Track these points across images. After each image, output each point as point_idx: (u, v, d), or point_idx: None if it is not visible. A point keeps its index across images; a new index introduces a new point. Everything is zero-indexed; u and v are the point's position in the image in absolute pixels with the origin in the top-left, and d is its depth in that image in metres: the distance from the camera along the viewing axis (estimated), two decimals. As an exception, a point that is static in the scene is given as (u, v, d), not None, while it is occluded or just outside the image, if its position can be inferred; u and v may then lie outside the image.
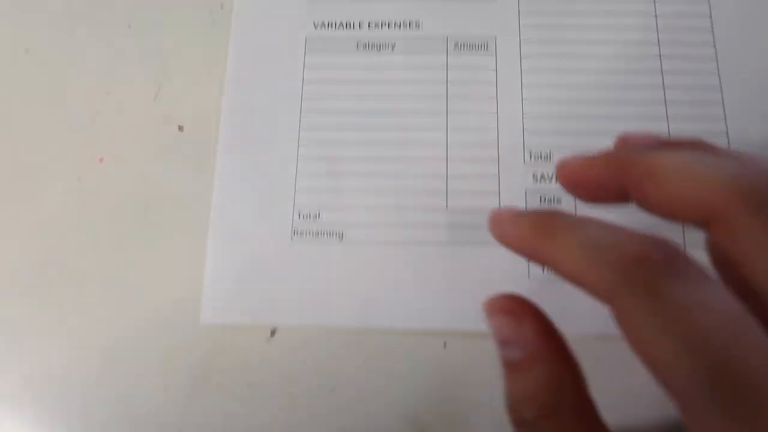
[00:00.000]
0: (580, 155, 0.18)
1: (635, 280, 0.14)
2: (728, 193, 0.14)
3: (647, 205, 0.16)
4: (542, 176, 0.27)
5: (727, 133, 0.27)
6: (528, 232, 0.17)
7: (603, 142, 0.26)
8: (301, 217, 0.27)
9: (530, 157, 0.27)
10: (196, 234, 0.27)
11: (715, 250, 0.15)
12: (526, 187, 0.27)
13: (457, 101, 0.28)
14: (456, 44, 0.29)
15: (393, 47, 0.29)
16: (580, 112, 0.27)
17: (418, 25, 0.29)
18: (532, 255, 0.17)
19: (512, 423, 0.16)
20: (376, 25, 0.29)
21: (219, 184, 0.27)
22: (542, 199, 0.26)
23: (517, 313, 0.17)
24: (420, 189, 0.27)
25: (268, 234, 0.27)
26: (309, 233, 0.27)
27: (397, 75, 0.28)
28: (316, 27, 0.29)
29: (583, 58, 0.28)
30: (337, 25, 0.29)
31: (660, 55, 0.28)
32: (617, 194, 0.17)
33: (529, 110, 0.28)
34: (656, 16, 0.29)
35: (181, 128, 0.28)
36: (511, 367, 0.16)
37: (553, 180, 0.27)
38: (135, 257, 0.27)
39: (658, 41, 0.28)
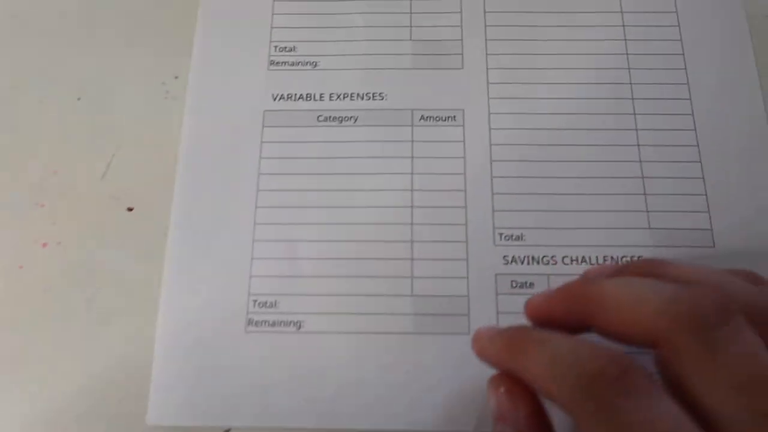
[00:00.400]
0: (543, 292, 0.20)
1: (591, 396, 0.16)
2: (667, 318, 0.16)
3: (603, 332, 0.18)
4: (513, 259, 0.25)
5: (703, 177, 0.26)
6: (502, 350, 0.19)
7: (577, 220, 0.26)
8: (257, 305, 0.25)
9: (500, 237, 0.25)
10: (144, 324, 0.25)
11: (662, 368, 0.17)
12: (496, 270, 0.25)
13: (423, 177, 0.26)
14: (422, 116, 0.27)
15: (355, 120, 0.27)
16: (553, 188, 0.26)
17: (381, 97, 0.28)
18: (506, 370, 0.19)
19: None
20: (338, 96, 0.28)
21: (169, 270, 0.25)
22: (513, 283, 0.25)
23: (515, 393, 0.18)
24: (384, 273, 0.25)
25: (221, 324, 0.25)
26: (265, 323, 0.25)
27: (360, 149, 0.27)
28: (274, 99, 0.28)
29: (554, 131, 0.27)
30: (296, 97, 0.28)
31: (636, 129, 0.27)
32: (579, 324, 0.18)
33: (499, 187, 0.26)
34: (631, 83, 0.27)
35: (130, 209, 0.27)
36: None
37: (525, 262, 0.25)
38: (78, 349, 0.25)
39: (634, 109, 0.27)
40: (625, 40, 0.28)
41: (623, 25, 0.28)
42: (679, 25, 0.28)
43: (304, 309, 0.25)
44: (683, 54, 0.28)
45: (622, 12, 0.29)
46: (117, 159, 0.27)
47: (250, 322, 0.25)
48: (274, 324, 0.25)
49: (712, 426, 0.15)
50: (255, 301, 0.25)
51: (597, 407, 0.15)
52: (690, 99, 0.27)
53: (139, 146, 0.27)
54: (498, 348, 0.19)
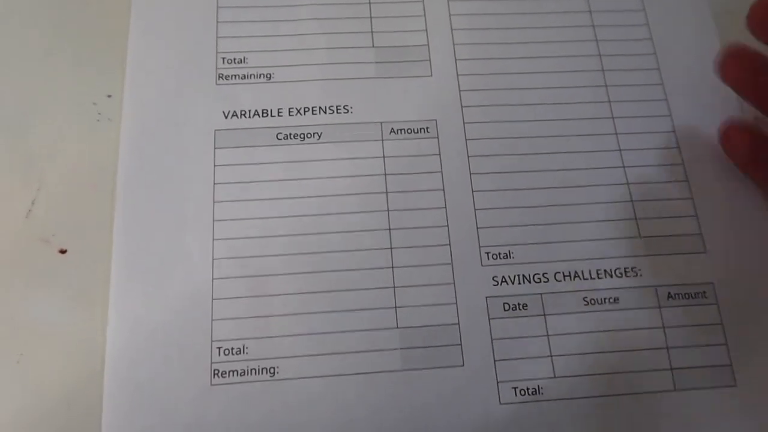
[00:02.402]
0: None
1: None
2: None
3: None
4: (503, 279, 0.23)
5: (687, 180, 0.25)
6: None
7: (565, 233, 0.24)
8: (222, 352, 0.22)
9: (488, 257, 0.23)
10: (87, 385, 0.21)
11: None
12: (487, 293, 0.23)
13: (399, 196, 0.24)
14: (392, 129, 0.25)
15: (319, 136, 0.25)
16: (537, 200, 0.24)
17: (347, 109, 0.25)
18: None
19: None
20: (298, 111, 0.25)
21: (114, 321, 0.22)
22: (506, 306, 0.23)
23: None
24: (364, 306, 0.23)
25: (182, 379, 0.21)
26: (233, 373, 0.22)
27: (327, 168, 0.24)
28: (226, 117, 0.25)
29: (532, 138, 0.25)
30: (251, 114, 0.25)
31: (616, 133, 0.25)
32: None
33: (481, 202, 0.24)
34: (606, 86, 0.26)
35: (63, 251, 0.23)
36: None
37: (516, 282, 0.23)
38: (4, 419, 0.21)
39: (612, 113, 0.26)
40: (596, 40, 0.27)
41: (593, 25, 0.27)
42: (648, 24, 0.27)
43: (277, 353, 0.22)
44: (655, 53, 0.27)
45: (590, 11, 0.27)
46: (43, 194, 0.23)
47: (215, 373, 0.22)
48: (243, 373, 0.22)
49: None
50: (220, 348, 0.22)
51: None
52: (666, 100, 0.26)
53: (68, 178, 0.24)
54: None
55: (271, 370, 0.22)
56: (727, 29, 0.28)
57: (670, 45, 0.27)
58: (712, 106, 0.26)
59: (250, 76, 0.25)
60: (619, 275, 0.23)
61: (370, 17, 0.27)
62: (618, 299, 0.23)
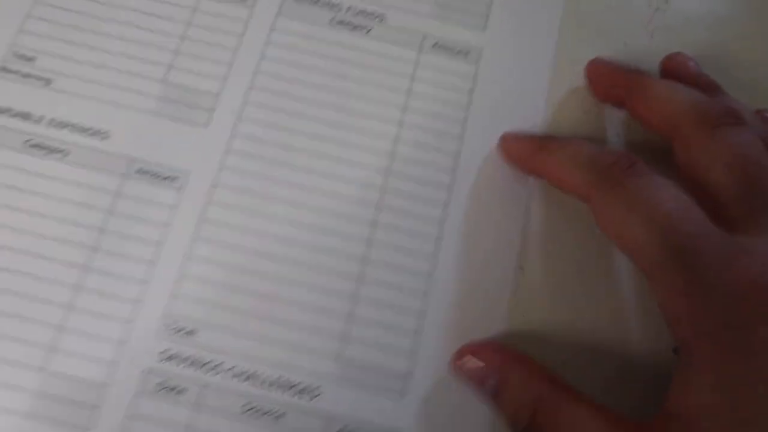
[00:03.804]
0: (607, 60, 0.25)
1: (607, 178, 0.20)
2: (685, 114, 0.21)
3: (634, 114, 0.23)
4: (175, 355, 0.21)
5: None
6: (528, 147, 0.23)
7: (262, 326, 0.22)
8: None
9: (168, 329, 0.22)
10: None
11: (676, 157, 0.21)
12: (150, 365, 0.21)
13: (110, 238, 0.23)
14: (139, 169, 0.24)
15: (65, 154, 0.24)
16: (250, 284, 0.23)
17: (105, 135, 0.24)
18: (529, 166, 0.23)
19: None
20: (57, 123, 0.24)
21: None
22: (161, 385, 0.21)
23: (474, 350, 0.21)
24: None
25: None
26: None
27: (49, 188, 0.23)
28: (-14, 109, 0.24)
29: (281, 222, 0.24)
30: (13, 113, 0.24)
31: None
32: (617, 100, 0.24)
33: (195, 272, 0.23)
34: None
35: None
36: (495, 397, 0.20)
37: (187, 363, 0.21)
38: None
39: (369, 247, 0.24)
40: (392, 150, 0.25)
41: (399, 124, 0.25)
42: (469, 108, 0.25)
43: None
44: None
45: (404, 108, 0.26)
46: None
47: None
48: None
49: (708, 198, 0.19)
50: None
51: (613, 185, 0.20)
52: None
53: None
54: (524, 146, 0.24)
55: None
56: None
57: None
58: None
59: (31, 76, 0.25)
60: (300, 391, 0.21)
61: (176, 51, 0.26)
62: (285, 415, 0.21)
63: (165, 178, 0.24)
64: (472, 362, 0.21)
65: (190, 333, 0.22)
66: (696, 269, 0.18)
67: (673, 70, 0.25)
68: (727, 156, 0.20)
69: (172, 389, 0.21)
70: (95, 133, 0.24)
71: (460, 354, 0.21)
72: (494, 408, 0.21)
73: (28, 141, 0.24)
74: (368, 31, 0.27)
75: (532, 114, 0.26)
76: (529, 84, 0.26)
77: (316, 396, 0.21)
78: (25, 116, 0.24)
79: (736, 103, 0.23)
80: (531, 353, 0.21)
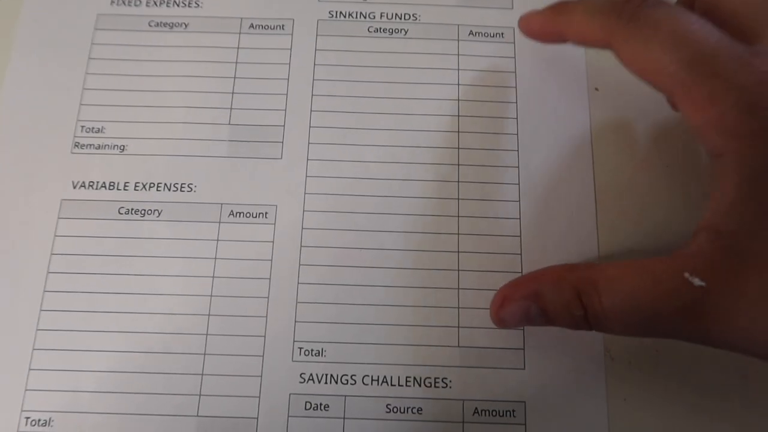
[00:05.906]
0: (535, 11, 0.25)
1: (624, 15, 0.21)
2: (608, 17, 0.22)
3: (575, 43, 0.24)
4: (311, 377, 0.23)
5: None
6: (548, 16, 0.25)
7: (379, 335, 0.24)
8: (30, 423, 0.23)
9: (300, 352, 0.24)
10: None
11: (622, 60, 0.22)
12: (291, 390, 0.23)
13: (224, 282, 0.24)
14: (232, 212, 0.25)
15: (159, 213, 0.25)
16: (360, 298, 0.24)
17: (190, 188, 0.26)
18: (552, 32, 0.25)
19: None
20: (143, 186, 0.26)
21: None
22: (308, 405, 0.23)
23: (505, 295, 0.22)
24: (169, 390, 0.23)
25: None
26: (38, 443, 0.23)
27: (160, 247, 0.25)
28: (75, 187, 0.25)
29: (366, 233, 0.25)
30: (98, 186, 0.25)
31: (458, 252, 0.25)
32: (557, 37, 0.25)
33: (305, 295, 0.24)
34: (459, 199, 0.26)
35: None
36: (545, 317, 0.21)
37: (323, 381, 0.23)
38: None
39: (458, 225, 0.25)
40: (459, 132, 0.26)
41: (458, 115, 0.27)
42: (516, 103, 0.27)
43: (83, 429, 0.23)
44: (517, 151, 0.26)
45: (458, 100, 0.27)
46: None
47: (21, 441, 0.23)
48: (47, 445, 0.23)
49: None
50: (28, 418, 0.23)
51: (629, 20, 0.21)
52: (519, 201, 0.26)
53: None
54: (542, 16, 0.25)
55: (73, 444, 0.23)
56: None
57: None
58: (567, 185, 0.25)
59: (105, 146, 0.26)
60: (428, 385, 0.23)
61: (232, 93, 0.27)
62: (421, 409, 0.23)
63: (257, 216, 0.25)
64: (507, 311, 0.22)
65: (319, 353, 0.24)
66: (717, 76, 0.19)
67: None
68: (665, 33, 0.20)
69: (318, 407, 0.23)
70: (180, 187, 0.26)
71: (496, 308, 0.22)
72: (552, 325, 0.21)
73: (121, 208, 0.25)
74: (406, 33, 0.28)
75: (576, 77, 0.27)
76: (568, 49, 0.27)
77: (445, 386, 0.23)
78: (111, 185, 0.26)
79: None
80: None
